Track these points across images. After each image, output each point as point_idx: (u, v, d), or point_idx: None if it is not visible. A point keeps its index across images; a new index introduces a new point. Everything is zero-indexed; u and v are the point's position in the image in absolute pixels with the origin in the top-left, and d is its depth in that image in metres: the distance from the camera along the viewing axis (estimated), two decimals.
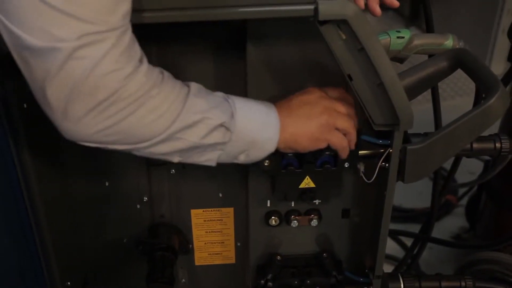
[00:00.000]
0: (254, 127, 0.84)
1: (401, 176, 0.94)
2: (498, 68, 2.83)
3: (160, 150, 0.80)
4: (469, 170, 2.09)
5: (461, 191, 2.08)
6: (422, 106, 1.62)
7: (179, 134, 0.79)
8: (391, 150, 0.92)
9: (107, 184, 1.10)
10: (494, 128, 1.03)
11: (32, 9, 0.65)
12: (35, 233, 0.98)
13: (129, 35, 0.72)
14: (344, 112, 0.89)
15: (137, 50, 0.74)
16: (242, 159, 0.87)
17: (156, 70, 0.77)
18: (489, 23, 2.82)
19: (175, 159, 0.83)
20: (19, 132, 0.89)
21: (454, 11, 3.09)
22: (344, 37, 0.81)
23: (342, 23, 0.80)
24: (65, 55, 0.67)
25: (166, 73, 0.79)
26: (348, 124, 0.89)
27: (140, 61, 0.74)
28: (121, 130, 0.74)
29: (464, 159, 1.45)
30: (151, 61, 0.96)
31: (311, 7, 0.78)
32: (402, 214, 2.02)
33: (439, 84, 1.15)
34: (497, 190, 1.63)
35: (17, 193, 0.93)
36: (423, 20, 1.25)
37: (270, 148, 0.86)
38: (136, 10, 0.76)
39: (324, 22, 0.79)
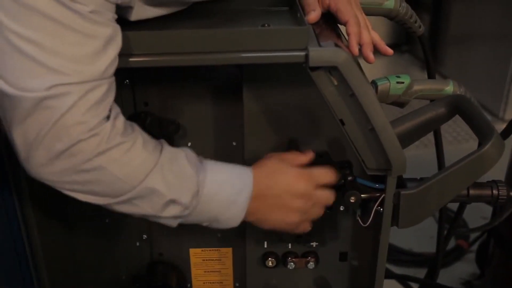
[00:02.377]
0: (218, 207, 0.84)
1: (395, 221, 0.94)
2: None
3: (120, 209, 0.81)
4: (482, 215, 2.07)
5: (473, 236, 2.04)
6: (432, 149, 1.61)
7: (137, 202, 0.79)
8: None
9: (107, 221, 1.11)
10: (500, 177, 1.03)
11: (9, 56, 0.67)
12: (32, 271, 0.99)
13: (102, 91, 0.72)
14: (320, 200, 0.91)
15: (107, 106, 0.73)
16: (205, 225, 0.88)
17: (131, 131, 0.77)
18: (504, 68, 2.82)
19: (136, 216, 0.83)
20: (18, 171, 0.90)
21: (470, 55, 3.11)
22: (335, 82, 0.83)
23: (333, 70, 0.81)
24: (32, 104, 0.68)
25: (140, 136, 0.78)
26: (319, 213, 0.92)
27: (110, 117, 0.74)
28: (80, 181, 0.75)
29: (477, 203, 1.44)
30: (151, 103, 1.00)
31: (303, 53, 0.80)
32: (412, 258, 1.99)
33: (454, 126, 1.16)
34: (504, 236, 1.60)
35: (16, 230, 0.94)
36: (439, 63, 1.27)
37: (233, 224, 0.87)
38: (132, 54, 0.79)
39: (316, 68, 0.81)
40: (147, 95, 1.00)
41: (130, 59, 0.80)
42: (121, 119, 0.76)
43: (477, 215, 2.00)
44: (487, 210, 1.94)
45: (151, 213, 0.81)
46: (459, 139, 2.73)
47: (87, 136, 0.71)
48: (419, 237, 1.94)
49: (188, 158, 0.83)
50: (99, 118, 0.72)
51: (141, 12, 0.83)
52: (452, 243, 2.01)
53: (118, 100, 0.97)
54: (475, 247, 1.98)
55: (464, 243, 2.04)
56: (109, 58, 0.72)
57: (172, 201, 0.80)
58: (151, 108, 1.00)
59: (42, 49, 0.67)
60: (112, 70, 0.73)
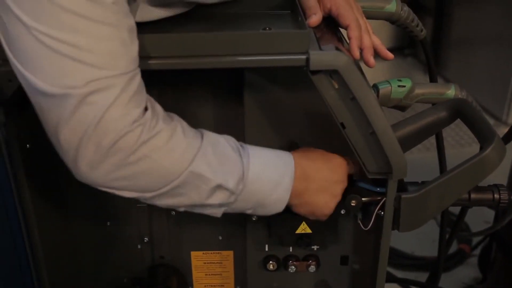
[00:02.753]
0: (264, 189, 0.84)
1: (396, 224, 0.94)
2: None
3: (165, 202, 0.81)
4: (485, 219, 2.06)
5: (475, 240, 2.04)
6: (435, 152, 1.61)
7: (183, 190, 0.79)
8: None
9: (108, 224, 1.11)
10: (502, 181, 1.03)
11: (44, 57, 0.68)
12: (33, 273, 0.99)
13: (138, 80, 0.73)
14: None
15: (144, 95, 0.75)
16: (249, 213, 0.88)
17: (170, 120, 0.78)
18: (507, 71, 2.82)
19: (181, 209, 0.84)
20: (20, 174, 0.91)
21: (473, 58, 3.10)
22: (336, 86, 0.83)
23: (333, 73, 0.81)
24: (77, 101, 0.69)
25: (181, 124, 0.79)
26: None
27: (148, 106, 0.75)
28: (127, 176, 0.75)
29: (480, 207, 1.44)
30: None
31: (303, 57, 0.80)
32: (414, 262, 1.99)
33: (456, 130, 1.16)
34: (506, 241, 1.60)
35: (17, 232, 0.95)
36: (442, 67, 1.27)
37: (278, 209, 0.87)
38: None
39: (316, 72, 0.81)
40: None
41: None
42: (159, 107, 0.77)
43: (480, 219, 2.00)
44: (490, 214, 1.93)
45: (197, 201, 0.81)
46: (461, 142, 2.73)
47: (132, 127, 0.72)
48: (421, 240, 1.94)
49: (229, 142, 0.84)
50: (140, 108, 0.73)
51: (145, 13, 0.83)
52: (454, 247, 2.01)
53: None
54: (477, 251, 1.98)
55: (466, 247, 2.04)
56: (136, 47, 0.73)
57: (219, 186, 0.80)
58: None
59: (77, 48, 0.67)
60: (138, 59, 0.74)
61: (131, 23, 0.73)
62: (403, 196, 0.90)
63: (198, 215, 1.08)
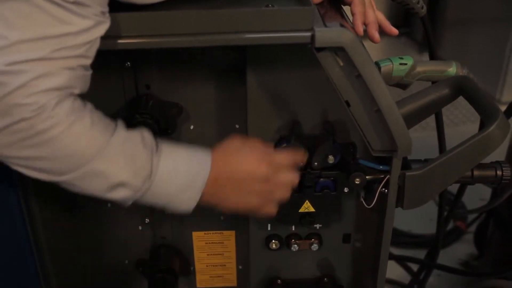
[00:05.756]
0: (173, 189, 0.82)
1: (400, 202, 0.94)
2: (510, 94, 2.82)
3: (66, 187, 0.79)
4: (480, 197, 2.08)
5: (471, 217, 2.06)
6: (430, 132, 1.62)
7: (81, 182, 0.77)
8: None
9: (109, 205, 1.11)
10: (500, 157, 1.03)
11: None
12: (35, 254, 0.99)
13: (63, 77, 0.70)
14: (283, 183, 0.89)
15: (67, 90, 0.72)
16: (160, 208, 0.86)
17: (80, 110, 0.74)
18: (501, 49, 2.82)
19: (86, 195, 0.82)
20: None
21: (467, 38, 3.10)
22: (341, 63, 0.82)
23: (339, 50, 0.80)
24: None
25: (90, 117, 0.76)
26: (283, 195, 0.89)
27: (61, 101, 0.71)
28: (21, 158, 0.74)
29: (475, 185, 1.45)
30: (154, 86, 0.99)
31: (308, 34, 0.79)
32: (411, 240, 2.00)
33: (451, 109, 1.16)
34: (504, 217, 1.61)
35: (17, 214, 0.94)
36: (436, 46, 1.26)
37: (188, 208, 0.85)
38: (133, 36, 0.78)
39: (321, 49, 0.80)
40: (149, 78, 0.98)
41: (132, 41, 0.80)
42: (71, 100, 0.73)
43: (476, 196, 2.01)
44: (485, 191, 1.95)
45: (98, 194, 0.80)
46: (456, 121, 2.73)
47: (31, 115, 0.69)
48: (418, 219, 1.94)
49: (144, 140, 0.81)
50: (48, 99, 0.70)
51: None
52: (450, 225, 2.02)
53: (119, 83, 0.98)
54: (472, 228, 1.99)
55: (462, 225, 2.05)
56: (79, 47, 0.71)
57: (121, 184, 0.79)
58: (153, 91, 0.99)
59: (9, 25, 0.66)
60: (73, 55, 0.71)
61: (88, 25, 0.71)
62: (408, 173, 0.90)
63: None
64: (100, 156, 0.76)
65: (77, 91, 0.74)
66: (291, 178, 0.90)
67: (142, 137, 0.81)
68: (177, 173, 0.82)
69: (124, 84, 0.98)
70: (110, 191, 0.79)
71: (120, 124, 0.80)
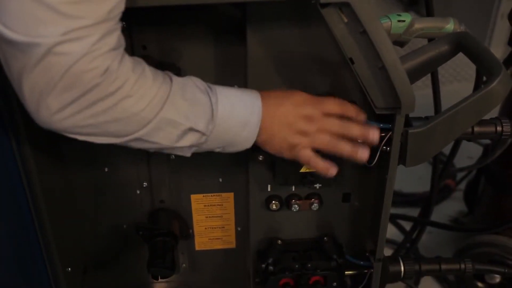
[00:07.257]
0: (234, 128, 0.84)
1: (402, 160, 0.94)
2: (497, 52, 2.82)
3: (136, 146, 0.80)
4: (468, 155, 2.10)
5: (460, 175, 2.08)
6: (421, 91, 1.62)
7: (154, 135, 0.78)
8: (392, 134, 0.92)
9: (106, 170, 1.09)
10: (494, 113, 1.03)
11: (17, 5, 0.64)
12: (34, 220, 0.97)
13: (116, 36, 0.70)
14: (325, 127, 0.88)
15: (121, 51, 0.72)
16: (217, 151, 0.88)
17: (138, 67, 0.75)
18: (488, 7, 2.81)
19: (151, 150, 0.84)
20: (19, 122, 0.88)
21: None
22: (345, 20, 0.81)
23: (344, 6, 0.79)
24: (45, 51, 0.66)
25: (148, 69, 0.77)
26: (324, 141, 0.89)
27: (121, 60, 0.72)
28: (93, 125, 0.74)
29: (463, 143, 1.45)
30: (150, 46, 0.97)
31: None
32: (402, 199, 2.02)
33: (438, 69, 1.15)
34: (496, 174, 1.63)
35: (16, 181, 0.92)
36: (422, 6, 1.24)
37: (246, 146, 0.87)
38: None
39: (326, 5, 0.79)
40: (146, 38, 0.96)
41: None
42: (127, 56, 0.74)
43: (464, 154, 2.03)
44: (474, 149, 1.97)
45: (168, 145, 0.81)
46: (442, 81, 2.74)
47: (100, 80, 0.69)
48: (408, 178, 1.96)
49: (197, 84, 0.82)
50: (111, 60, 0.70)
51: None
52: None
53: None
54: (462, 186, 2.02)
55: (451, 182, 2.08)
56: (121, 2, 0.70)
57: (190, 129, 0.80)
58: (150, 52, 0.97)
59: None
60: (117, 11, 0.70)
61: None
62: (410, 131, 0.90)
63: (198, 158, 1.07)
64: (167, 105, 0.77)
65: (123, 47, 0.73)
66: (335, 124, 0.89)
67: (193, 81, 0.82)
68: (234, 111, 0.83)
69: None
70: (179, 139, 0.81)
71: (171, 73, 0.81)
